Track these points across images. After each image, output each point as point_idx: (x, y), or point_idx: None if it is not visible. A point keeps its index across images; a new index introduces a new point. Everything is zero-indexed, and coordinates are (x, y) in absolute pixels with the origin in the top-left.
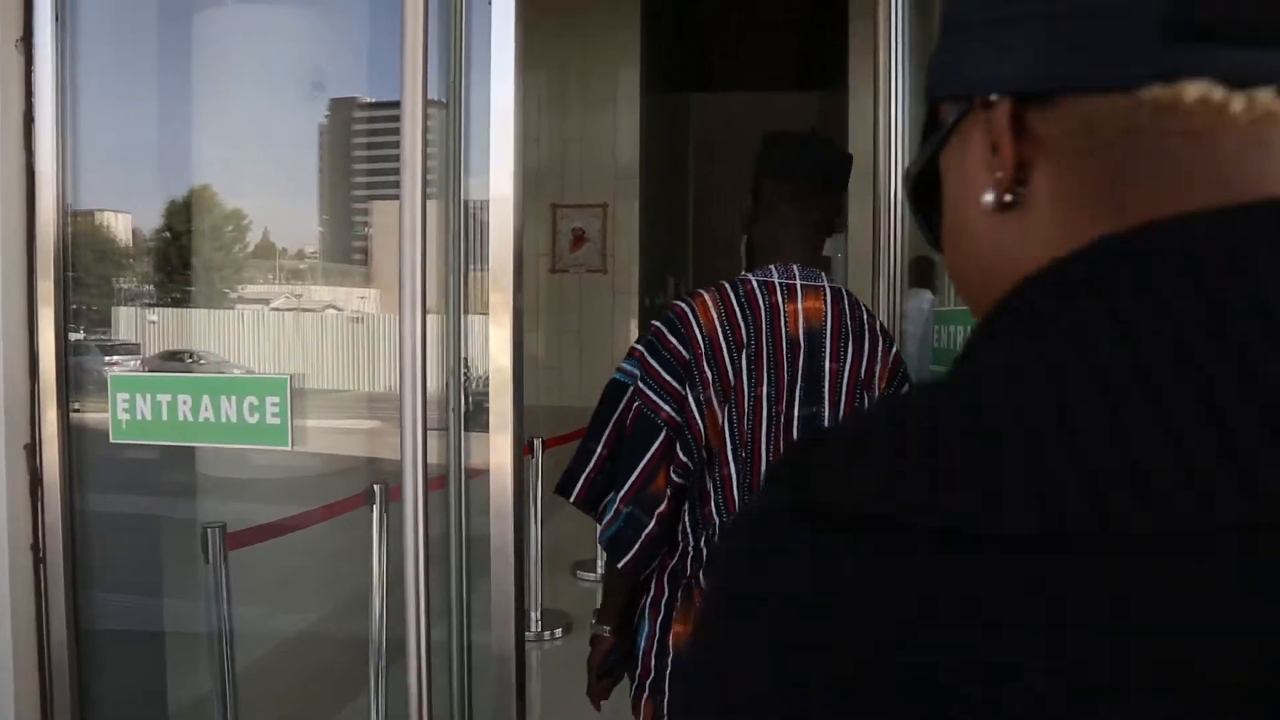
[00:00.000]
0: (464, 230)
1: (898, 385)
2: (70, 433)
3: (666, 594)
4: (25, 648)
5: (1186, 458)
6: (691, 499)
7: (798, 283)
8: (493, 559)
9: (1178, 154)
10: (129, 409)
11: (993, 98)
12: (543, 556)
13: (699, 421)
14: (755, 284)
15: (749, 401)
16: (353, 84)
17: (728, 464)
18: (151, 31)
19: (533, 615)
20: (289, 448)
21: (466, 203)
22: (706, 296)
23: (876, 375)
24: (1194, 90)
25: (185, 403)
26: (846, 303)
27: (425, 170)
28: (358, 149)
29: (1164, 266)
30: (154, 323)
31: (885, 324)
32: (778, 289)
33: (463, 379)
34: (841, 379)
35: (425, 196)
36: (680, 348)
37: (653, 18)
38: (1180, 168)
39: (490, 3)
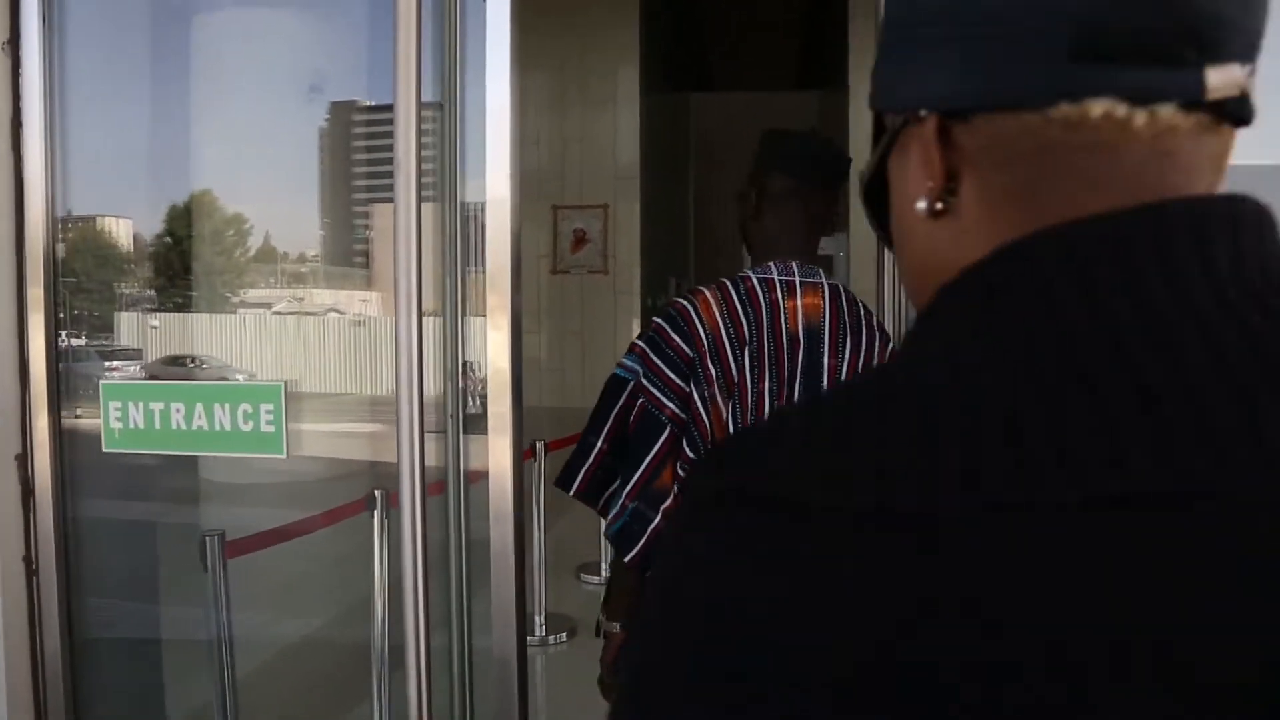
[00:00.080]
0: (463, 232)
1: None
2: (62, 440)
3: None
4: (18, 661)
5: (1062, 435)
6: None
7: (797, 280)
8: (493, 563)
9: (1086, 165)
10: (121, 417)
11: (922, 113)
12: (546, 560)
13: (705, 418)
14: (756, 281)
15: (751, 397)
16: (352, 87)
17: None
18: (151, 36)
19: (537, 619)
20: (284, 456)
21: (465, 205)
22: (708, 294)
23: None
24: (1098, 107)
25: (179, 411)
26: (844, 299)
27: (420, 171)
28: (358, 152)
29: (1055, 267)
30: (155, 328)
31: (892, 322)
32: (777, 286)
33: (460, 382)
34: (840, 374)
35: (420, 198)
36: (684, 345)
37: (652, 18)
38: (1088, 178)
39: (485, 2)
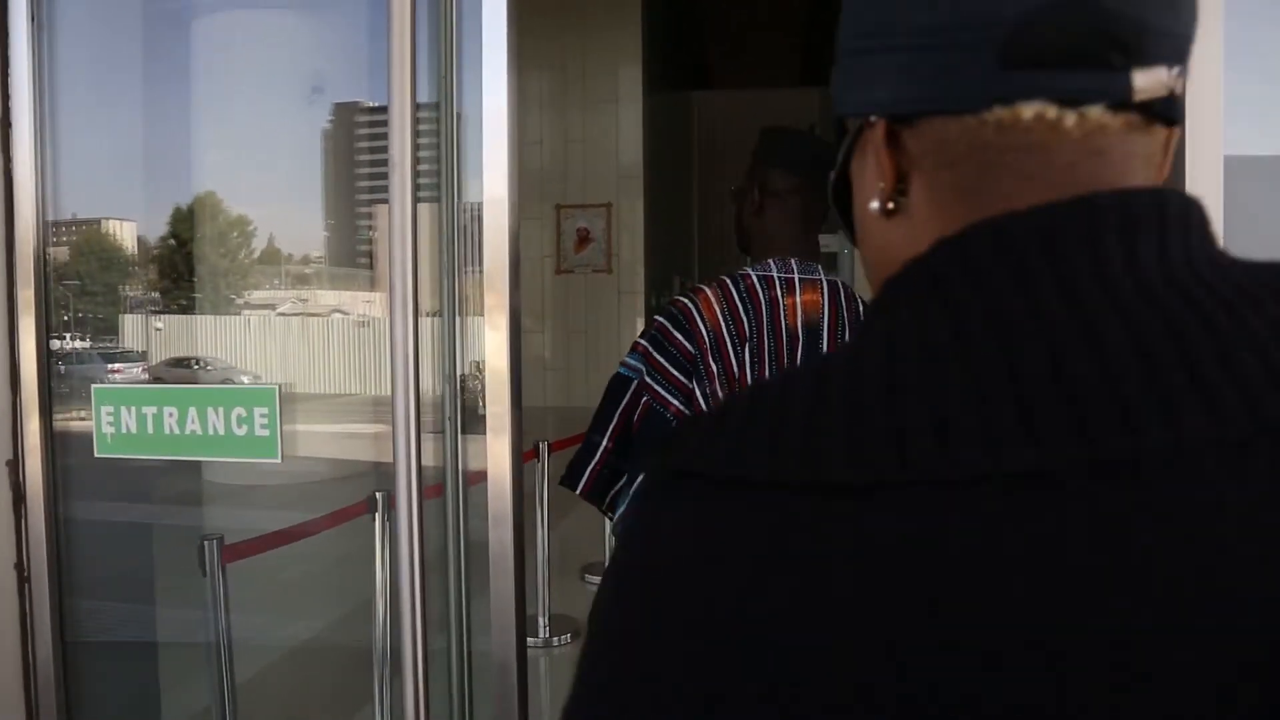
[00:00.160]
0: (464, 232)
1: None
2: (54, 445)
3: None
4: (8, 667)
5: (983, 413)
6: None
7: (796, 276)
8: (492, 565)
9: (1020, 164)
10: (114, 422)
11: (872, 119)
12: (550, 561)
13: None
14: (755, 278)
15: None
16: (355, 88)
17: None
18: (154, 37)
19: (540, 621)
20: (279, 460)
21: (467, 205)
22: (709, 291)
23: None
24: (1029, 110)
25: (172, 415)
26: (843, 295)
27: (416, 172)
28: (361, 153)
29: (990, 256)
30: (160, 330)
31: None
32: (776, 283)
33: (458, 383)
34: None
35: (416, 198)
36: (685, 343)
37: (654, 16)
38: (1024, 175)
39: (482, 1)
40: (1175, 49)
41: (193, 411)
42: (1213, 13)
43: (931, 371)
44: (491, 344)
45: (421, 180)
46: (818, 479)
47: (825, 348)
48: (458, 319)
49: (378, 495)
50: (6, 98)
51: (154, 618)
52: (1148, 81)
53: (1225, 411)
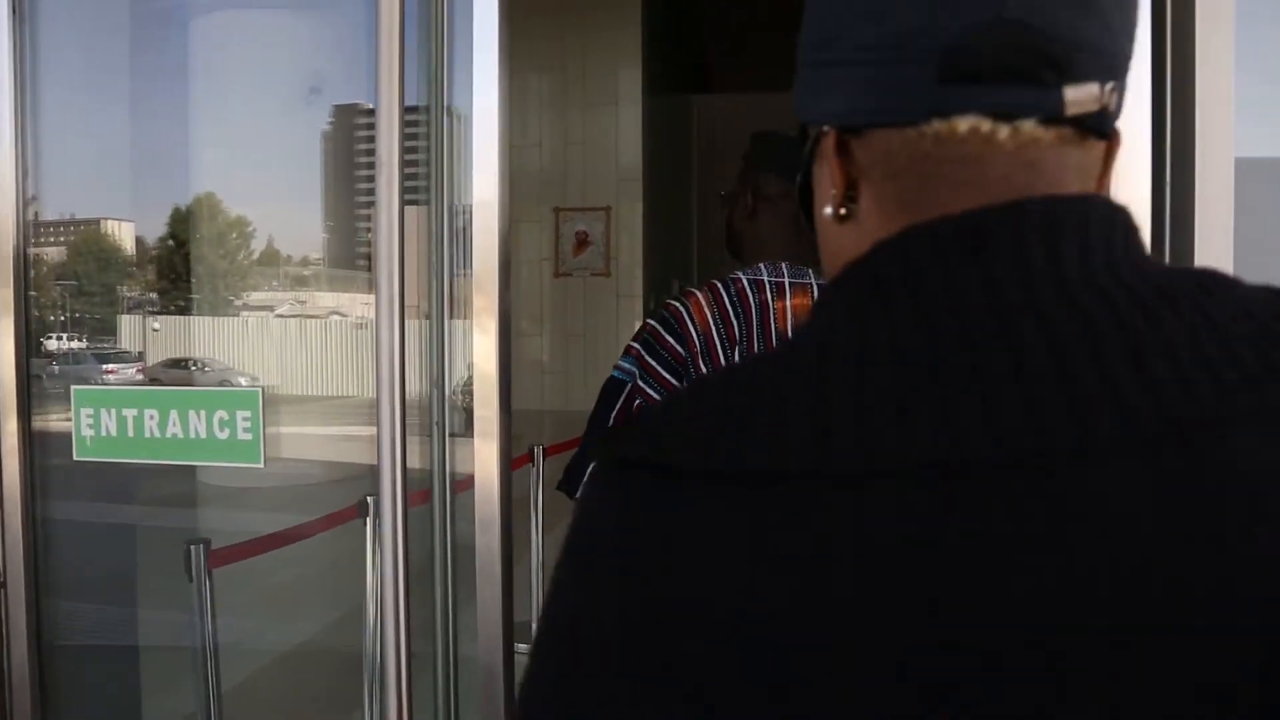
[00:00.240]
0: (459, 234)
1: None
2: (32, 445)
3: None
4: None
5: (901, 405)
6: None
7: (786, 280)
8: (479, 571)
9: (957, 175)
10: (93, 425)
11: (824, 128)
12: (544, 566)
13: None
14: (746, 282)
15: None
16: (355, 90)
17: None
18: (152, 36)
19: (533, 627)
20: (261, 465)
21: (464, 207)
22: (700, 295)
23: None
24: (964, 124)
25: (152, 418)
26: None
27: (402, 173)
28: (360, 155)
29: (923, 257)
30: (157, 330)
31: None
32: (767, 287)
33: (446, 387)
34: None
35: (402, 199)
36: (676, 345)
37: (653, 19)
38: (960, 185)
39: (473, 1)
40: (1108, 65)
41: (174, 414)
42: (1223, 14)
43: (861, 368)
44: (481, 347)
45: (416, 183)
46: (743, 467)
47: None
48: (447, 322)
49: (369, 499)
50: None
51: (143, 622)
52: (1079, 96)
53: (1134, 410)
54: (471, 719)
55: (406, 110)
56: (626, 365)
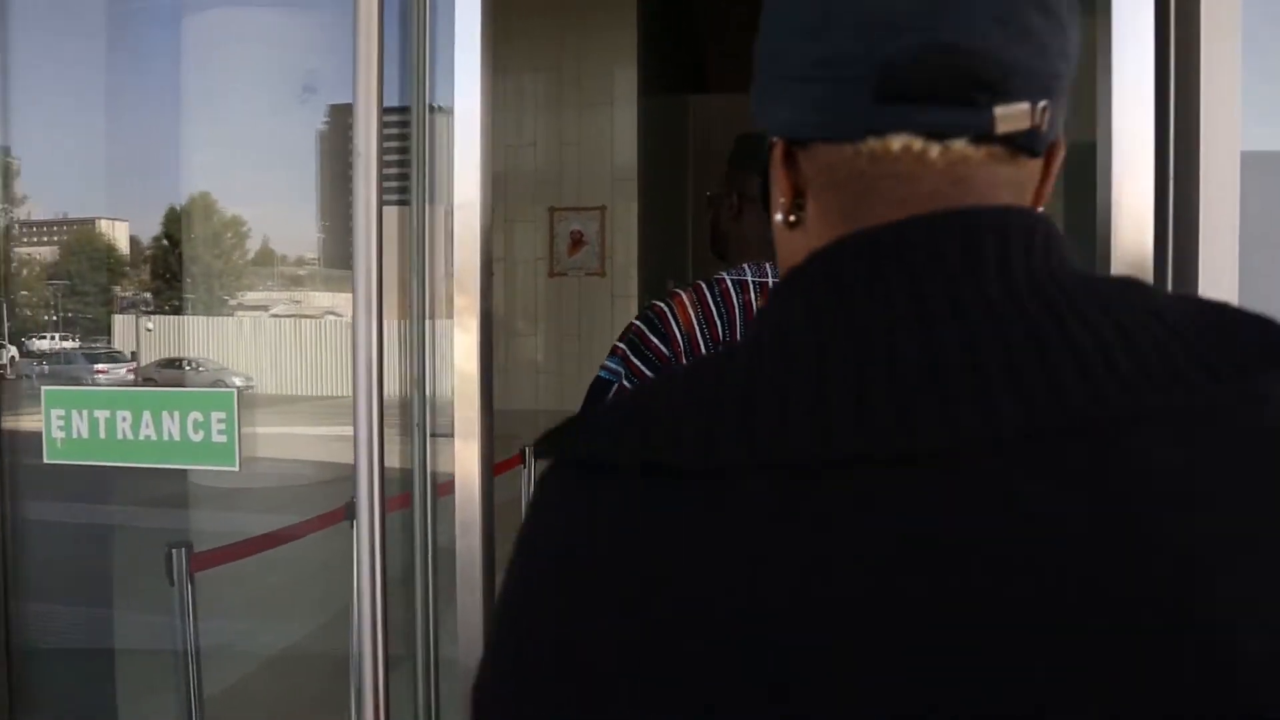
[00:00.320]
0: (437, 234)
1: None
2: (2, 446)
3: None
4: None
5: (823, 402)
6: None
7: (770, 280)
8: (459, 575)
9: (891, 190)
10: (64, 426)
11: (774, 140)
12: None
13: None
14: (730, 283)
15: None
16: (350, 90)
17: None
18: (146, 35)
19: None
20: (236, 468)
21: (442, 206)
22: (684, 296)
23: None
24: (898, 142)
25: (125, 419)
26: None
27: (381, 170)
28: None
29: (851, 265)
30: (150, 330)
31: None
32: (750, 287)
33: (428, 387)
34: None
35: (381, 197)
36: (661, 346)
37: (650, 19)
38: (894, 200)
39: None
40: (1040, 85)
41: (147, 415)
42: (1230, 10)
43: (789, 368)
44: (461, 347)
45: (401, 183)
46: (673, 463)
47: None
48: (429, 322)
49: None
50: None
51: (136, 626)
52: (1010, 116)
53: (1039, 407)
54: None
55: (390, 110)
56: (613, 365)
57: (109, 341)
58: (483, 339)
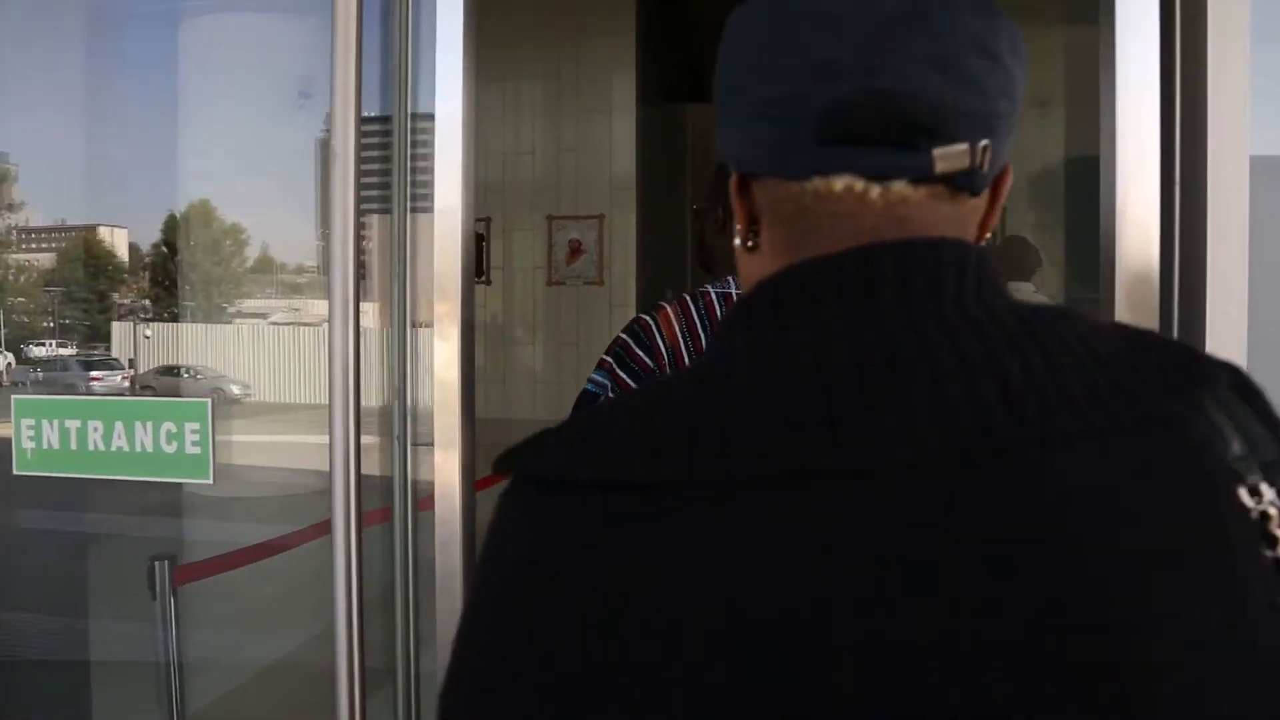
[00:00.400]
0: (418, 241)
1: None
2: None
3: None
4: None
5: (758, 421)
6: None
7: None
8: (438, 586)
9: (832, 229)
10: (34, 436)
11: (730, 169)
12: None
13: None
14: (714, 296)
15: None
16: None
17: None
18: (144, 42)
19: None
20: (210, 481)
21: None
22: (669, 309)
23: None
24: (840, 182)
25: (96, 430)
26: None
27: (359, 174)
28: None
29: (792, 293)
30: (149, 337)
31: None
32: (734, 300)
33: (408, 396)
34: None
35: (359, 202)
36: (645, 358)
37: (648, 27)
38: (836, 237)
39: (437, 4)
40: (981, 125)
41: (119, 426)
42: (1238, 10)
43: (731, 390)
44: (442, 355)
45: (383, 191)
46: (625, 478)
47: None
48: (409, 330)
49: None
50: None
51: (127, 638)
52: (949, 155)
53: (961, 428)
54: None
55: (371, 118)
56: (599, 378)
57: (107, 349)
58: (464, 347)
